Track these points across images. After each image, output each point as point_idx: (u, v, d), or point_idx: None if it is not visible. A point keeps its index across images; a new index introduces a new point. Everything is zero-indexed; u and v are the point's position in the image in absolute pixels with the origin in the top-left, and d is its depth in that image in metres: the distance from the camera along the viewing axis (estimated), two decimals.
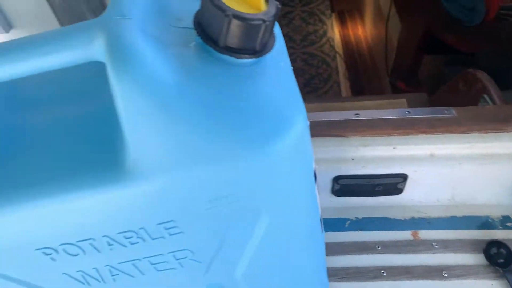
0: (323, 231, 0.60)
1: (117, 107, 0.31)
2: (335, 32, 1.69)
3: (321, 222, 0.54)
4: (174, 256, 0.43)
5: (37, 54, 0.31)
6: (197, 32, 0.33)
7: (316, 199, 0.48)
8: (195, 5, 0.36)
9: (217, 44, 0.32)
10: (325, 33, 1.64)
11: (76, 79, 0.38)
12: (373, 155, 0.73)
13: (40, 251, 0.37)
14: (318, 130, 0.70)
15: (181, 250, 0.42)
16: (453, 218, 0.78)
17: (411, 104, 1.24)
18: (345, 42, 1.61)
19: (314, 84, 1.48)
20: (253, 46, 0.32)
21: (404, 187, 0.78)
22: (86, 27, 0.31)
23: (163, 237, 0.39)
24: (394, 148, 0.71)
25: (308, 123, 0.36)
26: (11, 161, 0.34)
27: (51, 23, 0.49)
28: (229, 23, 0.31)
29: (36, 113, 0.37)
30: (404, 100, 1.27)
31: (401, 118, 0.71)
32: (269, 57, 0.35)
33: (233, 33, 0.31)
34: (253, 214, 0.40)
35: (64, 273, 0.42)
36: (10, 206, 0.33)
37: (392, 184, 0.79)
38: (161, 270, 0.45)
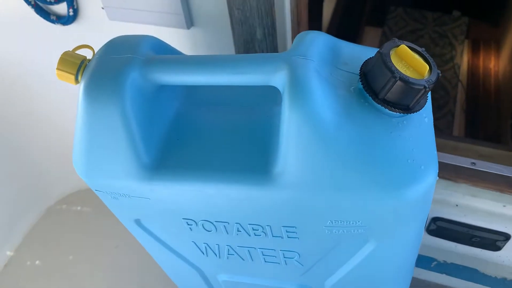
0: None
1: (281, 126, 0.38)
2: (464, 60, 1.60)
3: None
4: (283, 254, 0.50)
5: (230, 71, 0.39)
6: (360, 80, 0.38)
7: (419, 242, 0.51)
8: (361, 54, 0.42)
9: (376, 96, 0.37)
10: (452, 58, 1.56)
11: (247, 93, 0.45)
12: (479, 207, 0.72)
13: (185, 220, 0.46)
14: None
15: (291, 251, 0.49)
16: None
17: None
18: (472, 73, 1.54)
19: None
20: (408, 104, 0.37)
21: (504, 245, 0.77)
22: (273, 59, 0.38)
23: (281, 237, 0.46)
24: (504, 206, 0.70)
25: (437, 178, 0.40)
26: (184, 145, 0.43)
27: (226, 29, 0.57)
28: (394, 83, 0.35)
29: (209, 111, 0.45)
30: None
31: None
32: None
33: (395, 92, 0.36)
34: (364, 239, 0.45)
35: (193, 241, 0.51)
36: (177, 181, 0.41)
37: (491, 240, 0.77)
38: (268, 262, 0.52)
